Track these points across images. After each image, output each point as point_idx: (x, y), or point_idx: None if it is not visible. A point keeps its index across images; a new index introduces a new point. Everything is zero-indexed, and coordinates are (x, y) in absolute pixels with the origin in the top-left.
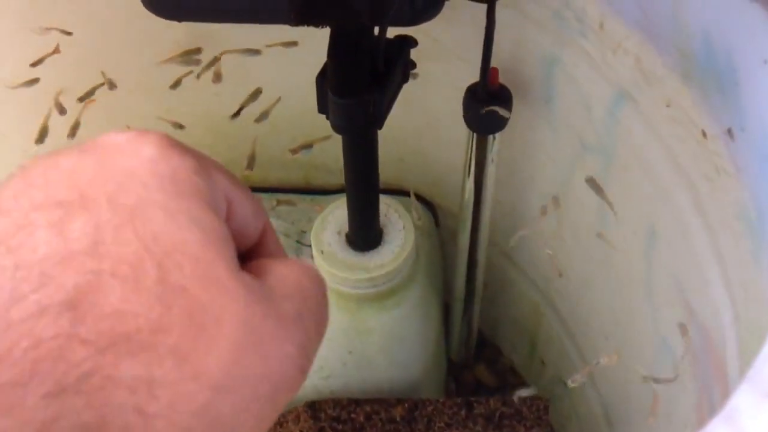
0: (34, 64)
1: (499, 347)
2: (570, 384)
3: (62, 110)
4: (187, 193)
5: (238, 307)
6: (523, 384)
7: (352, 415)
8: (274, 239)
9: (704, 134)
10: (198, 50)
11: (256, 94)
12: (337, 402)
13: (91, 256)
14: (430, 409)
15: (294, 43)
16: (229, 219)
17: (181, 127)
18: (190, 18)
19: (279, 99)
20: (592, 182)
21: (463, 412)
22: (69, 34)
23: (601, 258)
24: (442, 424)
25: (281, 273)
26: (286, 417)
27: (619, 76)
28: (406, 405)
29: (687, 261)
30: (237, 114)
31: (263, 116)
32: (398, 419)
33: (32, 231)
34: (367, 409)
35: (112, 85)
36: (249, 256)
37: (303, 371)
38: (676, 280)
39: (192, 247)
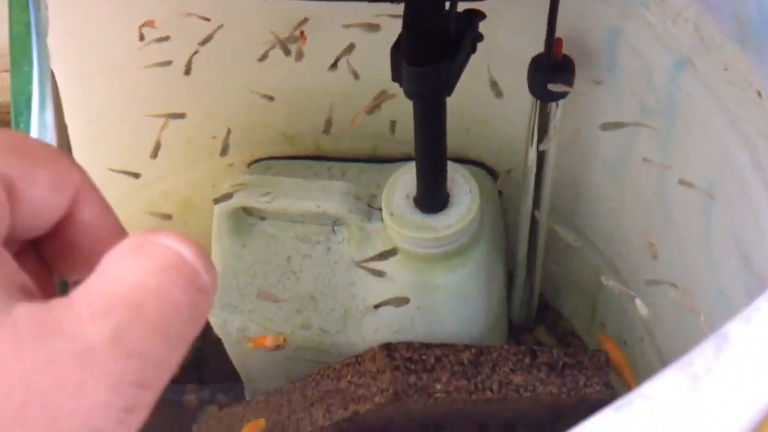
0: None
1: (559, 311)
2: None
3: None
4: None
5: (4, 364)
6: (582, 345)
7: (423, 357)
8: (93, 206)
9: (759, 94)
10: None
11: (351, 48)
12: (409, 345)
13: None
14: (495, 354)
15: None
16: (14, 203)
17: (270, 98)
18: None
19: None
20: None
21: (527, 360)
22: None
23: (661, 216)
24: (507, 369)
25: (110, 275)
26: (363, 357)
27: (679, 43)
28: (473, 350)
29: (745, 215)
30: (334, 65)
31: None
32: (466, 362)
33: None
34: (437, 352)
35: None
36: (62, 230)
37: (129, 408)
38: (734, 234)
39: None
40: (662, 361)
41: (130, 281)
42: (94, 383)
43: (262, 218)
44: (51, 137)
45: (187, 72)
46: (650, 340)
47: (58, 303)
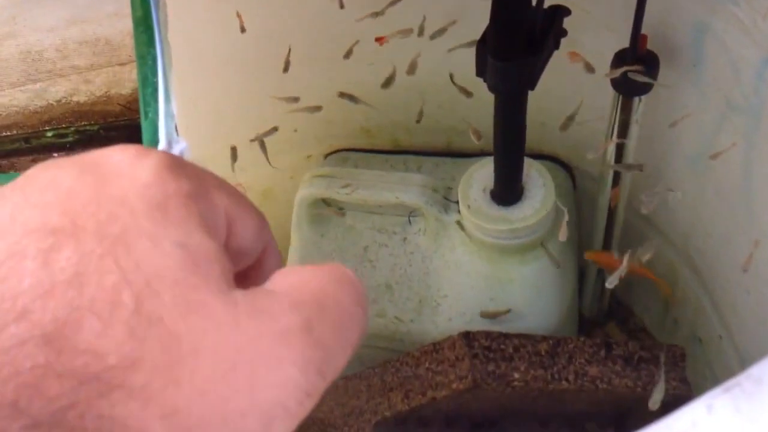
0: None
1: (630, 307)
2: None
3: None
4: (176, 218)
5: (222, 332)
6: (654, 341)
7: (502, 346)
8: (275, 257)
9: None
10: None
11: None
12: (488, 334)
13: (73, 287)
14: (571, 346)
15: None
16: (229, 238)
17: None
18: None
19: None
20: None
21: (602, 352)
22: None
23: (745, 214)
24: (583, 361)
25: (297, 279)
26: (441, 345)
27: None
28: (551, 341)
29: None
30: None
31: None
32: (543, 353)
33: (21, 259)
34: (515, 342)
35: None
36: (248, 273)
37: (309, 393)
38: None
39: (173, 272)
40: (740, 358)
41: (315, 285)
42: (289, 361)
43: (341, 209)
44: (175, 126)
45: (285, 69)
46: (728, 338)
47: (263, 291)
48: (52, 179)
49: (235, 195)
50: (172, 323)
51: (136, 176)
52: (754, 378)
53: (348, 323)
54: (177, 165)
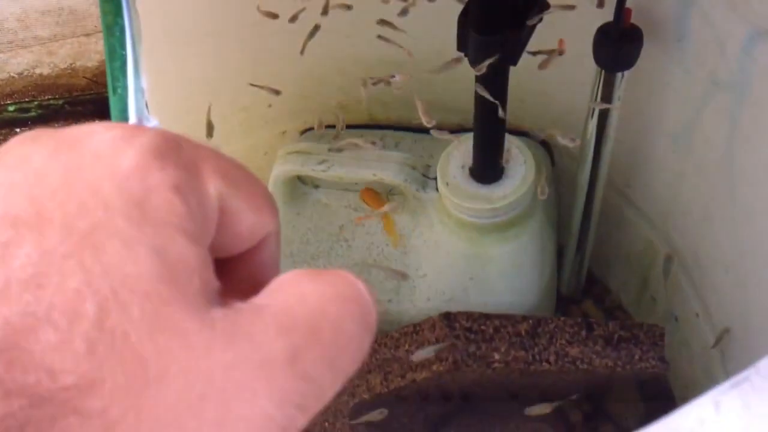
0: None
1: (607, 286)
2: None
3: None
4: (156, 218)
5: (193, 357)
6: (630, 319)
7: (482, 327)
8: (275, 245)
9: None
10: None
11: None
12: (469, 315)
13: (30, 290)
14: (552, 326)
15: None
16: (220, 228)
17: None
18: None
19: None
20: None
21: (583, 333)
22: None
23: (726, 192)
24: (563, 341)
25: (293, 294)
26: (421, 326)
27: (756, 14)
28: (531, 321)
29: None
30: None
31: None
32: (523, 333)
33: None
34: (496, 322)
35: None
36: (243, 257)
37: (286, 429)
38: None
39: (146, 282)
40: (717, 337)
41: (313, 304)
42: (265, 394)
43: (316, 186)
44: (145, 102)
45: (209, 134)
46: (705, 316)
47: (249, 309)
48: (23, 156)
49: (235, 178)
50: (138, 342)
51: (117, 162)
52: (762, 373)
53: (344, 350)
54: (168, 149)
